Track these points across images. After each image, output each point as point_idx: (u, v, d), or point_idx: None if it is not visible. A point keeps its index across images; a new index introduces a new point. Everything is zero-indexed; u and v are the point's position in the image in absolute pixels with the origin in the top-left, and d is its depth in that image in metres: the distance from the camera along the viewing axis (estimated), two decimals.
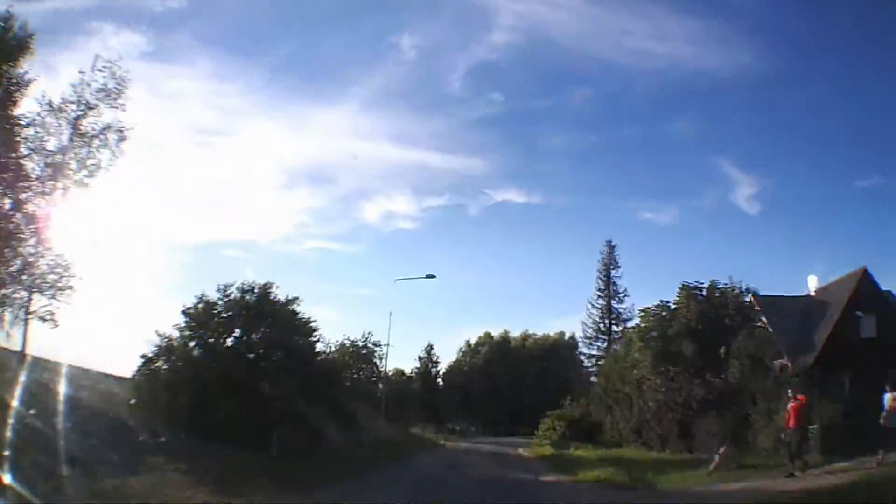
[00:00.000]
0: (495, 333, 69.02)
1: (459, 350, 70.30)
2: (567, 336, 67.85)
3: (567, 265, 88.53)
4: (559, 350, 65.89)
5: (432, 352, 70.88)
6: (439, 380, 70.43)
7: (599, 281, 57.92)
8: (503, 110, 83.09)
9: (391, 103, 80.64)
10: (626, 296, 57.26)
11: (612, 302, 57.70)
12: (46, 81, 15.04)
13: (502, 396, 65.90)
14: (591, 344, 59.42)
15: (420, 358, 70.68)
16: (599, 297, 58.19)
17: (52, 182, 14.81)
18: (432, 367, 70.83)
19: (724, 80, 72.22)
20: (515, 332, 70.11)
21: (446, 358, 72.65)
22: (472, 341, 70.03)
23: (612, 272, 57.64)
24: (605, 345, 55.96)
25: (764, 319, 23.36)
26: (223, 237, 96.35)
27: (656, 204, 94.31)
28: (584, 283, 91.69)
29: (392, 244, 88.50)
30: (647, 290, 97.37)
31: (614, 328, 56.80)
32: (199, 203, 72.92)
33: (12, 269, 14.42)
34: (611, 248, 58.39)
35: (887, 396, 12.66)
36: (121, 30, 46.67)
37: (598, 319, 58.16)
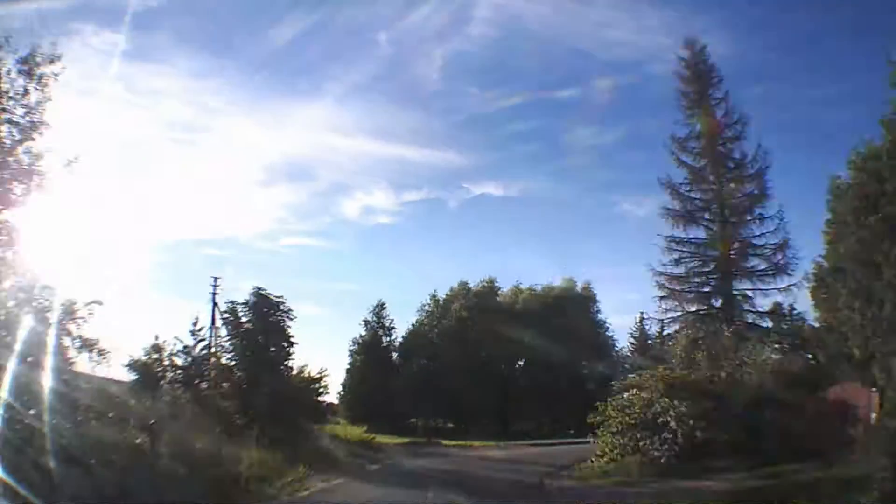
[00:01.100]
0: (474, 283, 46.79)
1: (422, 308, 48.23)
2: (580, 285, 45.94)
3: (546, 256, 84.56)
4: (571, 305, 43.89)
5: (384, 313, 48.88)
6: (394, 354, 48.74)
7: None
8: (480, 103, 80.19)
9: (368, 98, 78.25)
10: None
11: None
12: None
13: (488, 377, 44.31)
14: None
15: (366, 323, 48.73)
16: None
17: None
18: (385, 335, 48.88)
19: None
20: (504, 285, 48.16)
21: (407, 321, 50.69)
22: (442, 296, 47.78)
23: None
24: None
25: None
26: (203, 235, 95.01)
27: (636, 196, 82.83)
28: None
29: (372, 239, 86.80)
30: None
31: None
32: (178, 201, 70.27)
33: None
34: None
35: None
36: (101, 29, 47.79)
37: None
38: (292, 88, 78.89)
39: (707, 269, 28.59)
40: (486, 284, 45.48)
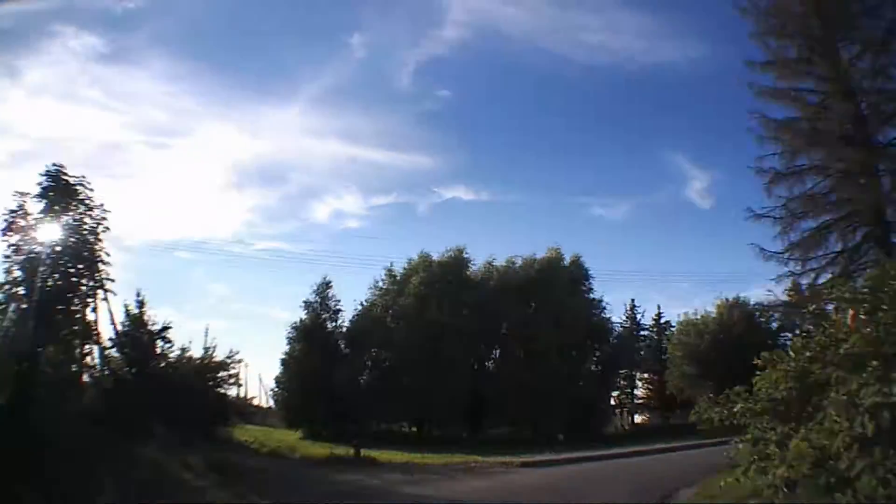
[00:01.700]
0: (437, 255, 37.51)
1: (375, 285, 38.93)
2: (568, 258, 37.07)
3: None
4: (558, 280, 35.03)
5: (329, 293, 39.48)
6: (342, 342, 39.30)
7: None
8: (451, 107, 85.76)
9: (340, 101, 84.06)
10: None
11: None
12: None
13: (454, 369, 35.27)
14: None
15: (307, 305, 39.28)
16: None
17: None
18: (330, 319, 39.51)
19: (679, 73, 75.10)
20: (477, 258, 39.01)
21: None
22: (400, 270, 38.46)
23: None
24: None
25: None
26: (175, 237, 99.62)
27: (608, 199, 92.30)
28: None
29: (341, 243, 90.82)
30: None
31: None
32: (152, 204, 74.15)
33: None
34: None
35: None
36: (81, 32, 42.90)
37: None
38: (266, 91, 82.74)
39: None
40: (453, 255, 36.31)
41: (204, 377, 21.30)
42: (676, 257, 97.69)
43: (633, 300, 48.83)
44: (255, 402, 46.87)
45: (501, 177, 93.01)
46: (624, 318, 45.71)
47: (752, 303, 37.59)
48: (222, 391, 24.91)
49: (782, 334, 40.40)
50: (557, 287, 34.43)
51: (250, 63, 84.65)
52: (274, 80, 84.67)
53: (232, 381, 27.17)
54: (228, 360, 23.90)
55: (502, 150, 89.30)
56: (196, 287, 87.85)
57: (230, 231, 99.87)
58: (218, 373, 23.27)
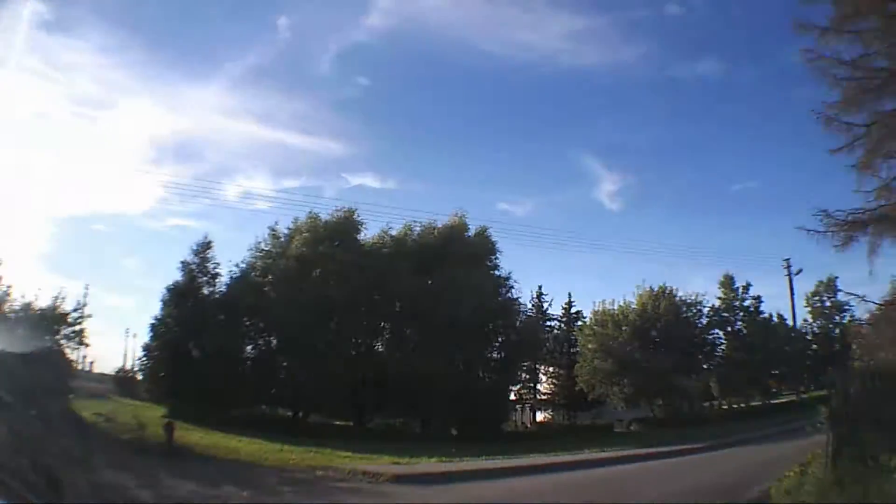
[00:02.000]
0: (327, 216, 32.34)
1: (255, 246, 33.84)
2: (474, 228, 32.58)
3: None
4: (462, 252, 30.54)
5: (209, 254, 34.53)
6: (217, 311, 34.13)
7: None
8: (368, 95, 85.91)
9: (261, 82, 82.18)
10: None
11: None
12: None
13: (338, 348, 30.63)
14: None
15: (185, 265, 34.20)
16: None
17: None
18: (208, 283, 34.52)
19: (600, 77, 73.10)
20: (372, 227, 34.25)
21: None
22: (285, 231, 33.54)
23: None
24: None
25: None
26: (93, 210, 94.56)
27: (515, 195, 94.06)
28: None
29: (249, 224, 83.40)
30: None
31: None
32: (73, 175, 68.81)
33: None
34: None
35: None
36: None
37: None
38: (190, 68, 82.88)
39: None
40: (343, 216, 31.54)
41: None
42: (584, 258, 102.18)
43: (540, 287, 44.15)
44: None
45: (411, 167, 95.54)
46: (530, 305, 40.86)
47: (678, 295, 33.77)
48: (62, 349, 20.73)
49: (713, 331, 36.75)
50: (459, 259, 29.95)
51: (179, 39, 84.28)
52: (199, 58, 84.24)
53: (76, 338, 22.71)
54: (72, 313, 19.91)
55: (414, 140, 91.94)
56: (111, 261, 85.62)
57: (145, 206, 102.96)
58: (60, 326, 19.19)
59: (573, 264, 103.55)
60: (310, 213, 32.04)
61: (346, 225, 31.23)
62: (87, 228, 79.44)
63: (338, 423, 33.12)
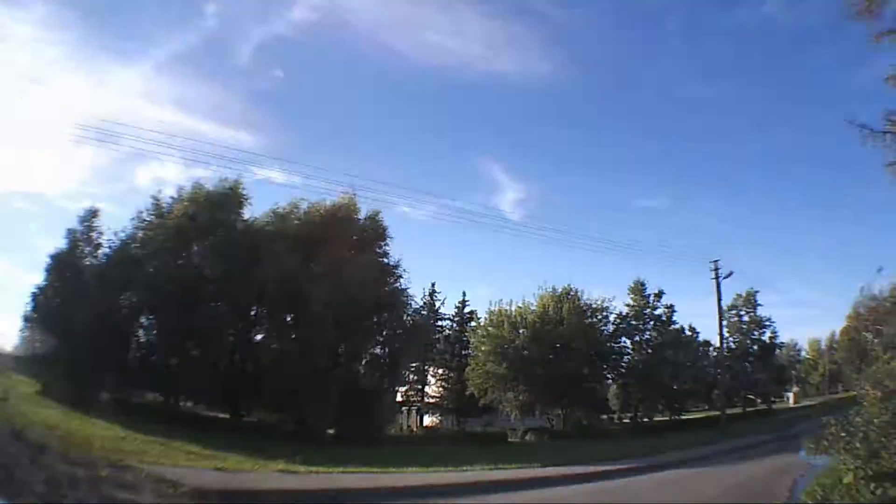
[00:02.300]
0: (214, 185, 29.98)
1: (138, 216, 31.58)
2: (366, 210, 30.72)
3: None
4: (346, 231, 28.69)
5: (95, 223, 32.66)
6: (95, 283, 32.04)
7: None
8: (282, 88, 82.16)
9: (182, 69, 76.95)
10: None
11: None
12: None
13: (214, 332, 28.67)
14: None
15: (70, 233, 32.03)
16: None
17: None
18: (91, 255, 32.64)
19: (513, 86, 67.10)
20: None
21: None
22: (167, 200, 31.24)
23: None
24: None
25: None
26: (17, 188, 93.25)
27: (416, 198, 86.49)
28: None
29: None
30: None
31: None
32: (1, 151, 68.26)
33: None
34: None
35: None
36: None
37: None
38: (121, 50, 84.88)
39: None
40: (228, 187, 29.69)
41: None
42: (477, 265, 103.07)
43: (433, 284, 42.26)
44: None
45: (317, 162, 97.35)
46: (421, 302, 39.10)
47: (583, 298, 31.93)
48: None
49: (620, 339, 34.89)
50: (345, 241, 28.15)
51: (115, 17, 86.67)
52: (130, 39, 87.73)
53: None
54: None
55: (321, 136, 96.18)
56: (28, 240, 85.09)
57: (65, 187, 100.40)
58: None
59: (471, 270, 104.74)
60: (196, 182, 30.20)
61: (231, 198, 29.33)
62: (9, 206, 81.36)
63: (212, 414, 31.09)
